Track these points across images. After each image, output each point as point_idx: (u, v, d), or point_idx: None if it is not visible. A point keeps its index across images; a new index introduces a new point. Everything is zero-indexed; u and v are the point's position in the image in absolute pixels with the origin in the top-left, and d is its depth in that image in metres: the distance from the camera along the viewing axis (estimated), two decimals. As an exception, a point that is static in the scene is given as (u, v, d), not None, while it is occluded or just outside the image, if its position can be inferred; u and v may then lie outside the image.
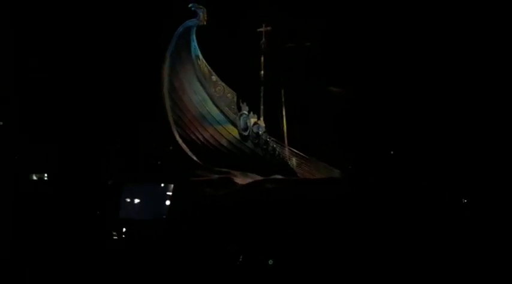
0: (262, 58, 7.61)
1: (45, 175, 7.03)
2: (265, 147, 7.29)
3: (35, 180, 7.07)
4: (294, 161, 7.29)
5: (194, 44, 7.46)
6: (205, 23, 7.44)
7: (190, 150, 7.47)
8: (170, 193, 6.68)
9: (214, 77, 7.51)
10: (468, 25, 6.35)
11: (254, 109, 7.48)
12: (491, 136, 6.26)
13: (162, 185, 6.76)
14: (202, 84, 7.45)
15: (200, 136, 7.46)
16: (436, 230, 5.58)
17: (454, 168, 6.27)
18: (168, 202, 6.68)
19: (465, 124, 6.42)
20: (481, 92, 6.41)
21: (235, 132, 7.40)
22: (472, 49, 6.38)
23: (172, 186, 6.81)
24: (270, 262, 5.36)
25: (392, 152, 6.60)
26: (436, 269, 4.88)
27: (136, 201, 6.85)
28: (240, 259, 5.50)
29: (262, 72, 7.64)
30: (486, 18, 6.31)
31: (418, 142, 6.44)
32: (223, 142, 7.40)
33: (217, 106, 7.41)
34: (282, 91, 7.44)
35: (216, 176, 7.38)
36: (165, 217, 6.54)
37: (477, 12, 6.34)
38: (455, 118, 6.39)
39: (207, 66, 7.52)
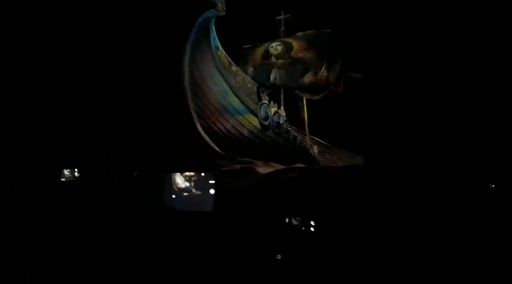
0: (281, 47, 7.55)
1: (75, 172, 7.20)
2: (286, 136, 7.30)
3: (64, 177, 7.26)
4: (315, 149, 7.28)
5: (213, 34, 7.48)
6: (224, 13, 7.44)
7: (212, 141, 7.55)
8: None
9: (234, 68, 7.54)
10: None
11: (274, 98, 7.47)
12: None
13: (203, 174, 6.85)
14: (222, 75, 7.49)
15: (222, 127, 7.52)
16: (459, 220, 5.49)
17: (481, 157, 6.12)
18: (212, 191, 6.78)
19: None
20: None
21: (256, 122, 7.43)
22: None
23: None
24: (279, 256, 5.37)
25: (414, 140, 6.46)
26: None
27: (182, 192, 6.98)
28: (279, 258, 5.47)
29: (281, 60, 7.59)
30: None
31: (443, 130, 6.29)
32: (245, 132, 7.45)
33: (237, 97, 7.46)
34: (303, 79, 7.38)
35: (238, 166, 7.47)
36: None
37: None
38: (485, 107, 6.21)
39: (227, 56, 7.54)
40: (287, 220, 6.20)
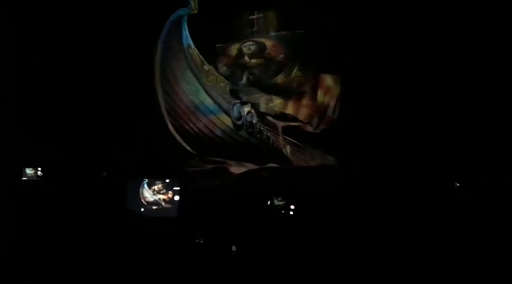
0: (254, 46, 7.52)
1: (40, 172, 6.92)
2: (259, 135, 7.28)
3: (32, 177, 6.97)
4: (288, 149, 7.28)
5: (186, 32, 7.41)
6: (196, 12, 7.37)
7: (183, 140, 7.45)
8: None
9: (206, 66, 7.47)
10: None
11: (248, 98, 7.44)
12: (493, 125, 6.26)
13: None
14: (194, 74, 7.42)
15: (194, 126, 7.43)
16: (432, 220, 5.59)
17: (450, 156, 6.27)
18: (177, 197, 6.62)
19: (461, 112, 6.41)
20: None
21: (228, 122, 7.38)
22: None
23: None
24: (233, 248, 5.34)
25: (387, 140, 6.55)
26: (432, 262, 4.88)
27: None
28: (233, 249, 5.45)
29: (254, 60, 7.56)
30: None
31: (415, 129, 6.42)
32: (217, 131, 7.39)
33: (210, 96, 7.40)
34: (276, 79, 7.38)
35: (211, 166, 7.38)
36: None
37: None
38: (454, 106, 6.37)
39: (199, 55, 7.48)
40: (259, 219, 6.18)
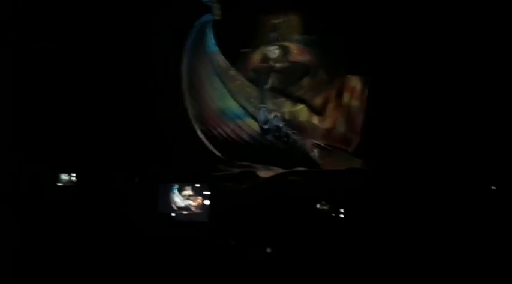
0: (278, 50, 7.56)
1: (72, 177, 7.14)
2: (286, 139, 7.31)
3: (67, 183, 7.20)
4: (315, 152, 7.30)
5: (211, 38, 7.50)
6: (220, 17, 7.45)
7: (212, 145, 7.56)
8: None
9: (232, 72, 7.54)
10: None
11: (274, 102, 7.49)
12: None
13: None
14: (221, 79, 7.52)
15: (221, 131, 7.54)
16: (459, 224, 5.55)
17: (481, 162, 6.19)
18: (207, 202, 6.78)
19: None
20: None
21: (255, 126, 7.45)
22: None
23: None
24: (268, 250, 5.44)
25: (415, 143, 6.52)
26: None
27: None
28: (268, 251, 5.57)
29: (279, 64, 7.60)
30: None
31: (442, 132, 6.36)
32: (244, 136, 7.46)
33: (236, 101, 7.47)
34: (301, 83, 7.41)
35: (238, 170, 7.47)
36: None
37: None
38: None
39: (225, 60, 7.55)
40: (289, 222, 6.26)
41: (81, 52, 7.31)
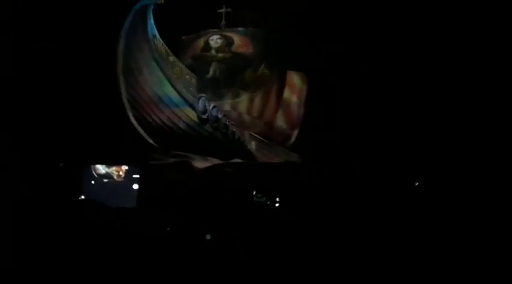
0: (221, 40, 7.47)
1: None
2: (224, 130, 7.20)
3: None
4: (253, 145, 7.30)
5: (151, 22, 7.17)
6: (163, 2, 7.18)
7: (146, 133, 7.22)
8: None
9: (171, 58, 7.29)
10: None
11: (214, 92, 7.38)
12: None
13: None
14: (159, 65, 7.18)
15: (156, 119, 7.21)
16: (389, 219, 5.80)
17: (410, 157, 6.55)
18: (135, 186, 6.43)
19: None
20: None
21: (193, 115, 7.22)
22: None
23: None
24: (208, 237, 5.33)
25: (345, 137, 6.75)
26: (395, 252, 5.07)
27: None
28: (208, 238, 5.40)
29: (221, 54, 7.50)
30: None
31: (377, 127, 6.64)
32: (181, 125, 7.21)
33: (174, 88, 7.18)
34: (243, 75, 7.37)
35: (173, 160, 7.23)
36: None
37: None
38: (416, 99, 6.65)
39: (164, 46, 7.27)
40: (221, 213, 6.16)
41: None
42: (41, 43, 6.53)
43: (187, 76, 7.29)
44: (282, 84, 7.35)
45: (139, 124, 7.20)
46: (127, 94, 7.12)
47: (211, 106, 7.17)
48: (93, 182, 6.35)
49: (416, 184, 6.51)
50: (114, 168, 6.50)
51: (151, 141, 7.22)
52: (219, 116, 7.18)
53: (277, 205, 6.57)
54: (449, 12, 6.60)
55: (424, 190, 6.45)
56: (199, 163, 7.20)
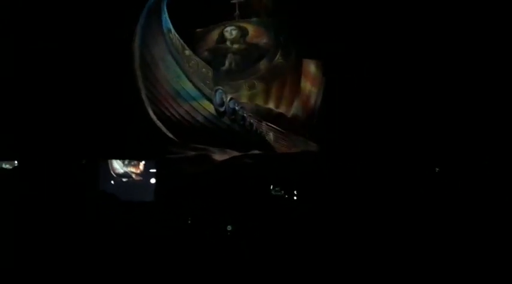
0: (236, 31, 7.43)
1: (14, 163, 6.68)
2: (242, 122, 7.22)
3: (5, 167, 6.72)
4: (271, 136, 7.30)
5: (165, 16, 7.19)
6: (176, -5, 7.18)
7: (165, 127, 7.30)
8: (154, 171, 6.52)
9: (187, 51, 7.30)
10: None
11: (231, 84, 7.38)
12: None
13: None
14: (175, 59, 7.21)
15: (175, 113, 7.29)
16: (414, 208, 5.74)
17: (430, 148, 6.43)
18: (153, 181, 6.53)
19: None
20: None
21: (211, 108, 7.27)
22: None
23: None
24: (229, 227, 5.39)
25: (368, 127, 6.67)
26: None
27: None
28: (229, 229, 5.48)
29: (236, 45, 7.47)
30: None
31: (395, 116, 6.54)
32: (199, 118, 7.27)
33: (191, 82, 7.22)
34: (258, 65, 7.34)
35: (193, 153, 7.31)
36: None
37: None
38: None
39: (180, 40, 7.29)
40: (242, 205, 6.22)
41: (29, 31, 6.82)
42: (53, 41, 6.63)
43: (204, 70, 7.30)
44: (298, 73, 7.29)
45: (159, 119, 7.28)
46: (145, 90, 7.20)
47: (228, 99, 7.19)
48: (112, 182, 6.46)
49: (437, 170, 6.41)
50: (131, 167, 6.59)
51: (170, 135, 7.31)
52: (236, 108, 7.20)
53: (295, 196, 6.58)
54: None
55: (444, 179, 6.36)
56: (219, 156, 7.26)
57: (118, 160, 6.61)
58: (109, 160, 6.62)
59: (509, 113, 6.34)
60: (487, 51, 6.40)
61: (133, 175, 6.64)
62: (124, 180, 6.58)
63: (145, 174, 6.56)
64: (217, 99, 7.17)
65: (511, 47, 6.21)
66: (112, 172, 6.61)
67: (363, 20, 6.67)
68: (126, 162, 6.64)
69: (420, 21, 6.49)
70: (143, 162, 6.68)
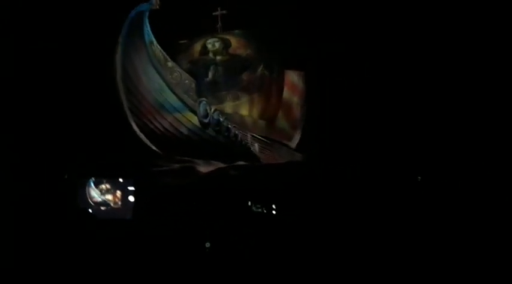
0: (219, 43, 7.45)
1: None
2: (226, 133, 7.18)
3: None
4: (256, 147, 7.29)
5: (147, 29, 7.15)
6: (158, 7, 7.15)
7: (149, 140, 7.22)
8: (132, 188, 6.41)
9: (170, 63, 7.26)
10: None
11: (214, 95, 7.37)
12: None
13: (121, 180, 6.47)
14: (158, 71, 7.16)
15: (158, 125, 7.21)
16: (399, 217, 5.80)
17: (414, 157, 6.54)
18: (131, 198, 6.41)
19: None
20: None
21: (194, 120, 7.22)
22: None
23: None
24: (207, 244, 5.35)
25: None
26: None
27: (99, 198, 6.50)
28: (207, 246, 5.45)
29: (219, 56, 7.49)
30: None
31: (378, 125, 6.63)
32: (183, 130, 7.20)
33: (174, 93, 7.17)
34: (241, 76, 7.36)
35: (178, 165, 7.22)
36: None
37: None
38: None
39: (162, 51, 7.25)
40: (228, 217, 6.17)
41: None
42: (40, 44, 6.48)
43: (187, 81, 7.26)
44: (281, 84, 7.35)
45: (142, 132, 7.20)
46: (128, 102, 7.11)
47: (212, 110, 7.16)
48: (90, 211, 6.35)
49: (419, 178, 6.50)
50: (109, 196, 6.48)
51: (154, 148, 7.23)
52: (221, 119, 7.17)
53: (280, 207, 6.56)
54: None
55: (426, 187, 6.45)
56: (204, 168, 7.20)
57: (95, 189, 6.46)
58: (86, 188, 6.48)
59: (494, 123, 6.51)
60: (473, 68, 6.59)
61: (112, 204, 6.50)
62: (102, 208, 6.46)
63: (124, 200, 6.46)
64: (201, 111, 7.12)
65: (496, 64, 6.40)
66: (89, 200, 6.47)
67: (345, 31, 6.78)
68: (104, 190, 6.50)
69: (402, 38, 6.64)
70: (119, 191, 6.54)
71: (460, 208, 5.56)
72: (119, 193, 6.39)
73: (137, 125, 7.15)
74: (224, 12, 7.42)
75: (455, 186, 6.10)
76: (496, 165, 6.23)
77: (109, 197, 6.39)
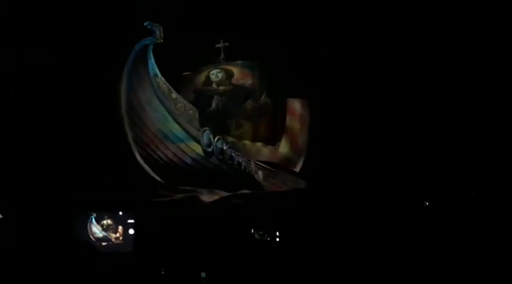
0: (222, 74, 7.58)
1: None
2: (230, 162, 7.17)
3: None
4: (260, 174, 7.25)
5: (151, 62, 7.31)
6: (161, 41, 7.34)
7: (152, 170, 7.21)
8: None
9: (174, 94, 7.37)
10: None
11: (218, 124, 7.42)
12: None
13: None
14: (162, 102, 7.27)
15: (162, 155, 7.23)
16: (403, 243, 5.66)
17: (419, 186, 6.45)
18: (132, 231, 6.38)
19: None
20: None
21: (198, 149, 7.24)
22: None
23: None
24: (203, 274, 5.24)
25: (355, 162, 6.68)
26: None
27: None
28: (203, 276, 5.34)
29: (222, 87, 7.60)
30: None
31: (382, 153, 6.59)
32: (187, 159, 7.21)
33: (178, 124, 7.24)
34: (245, 105, 7.44)
35: (181, 195, 7.19)
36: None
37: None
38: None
39: (166, 83, 7.39)
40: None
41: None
42: (45, 74, 6.64)
43: (191, 111, 7.33)
44: (283, 112, 7.39)
45: (146, 162, 7.20)
46: (132, 132, 7.16)
47: (216, 139, 7.19)
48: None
49: (426, 204, 6.36)
50: (111, 232, 6.50)
51: (158, 178, 7.21)
52: (224, 148, 7.18)
53: (283, 234, 6.44)
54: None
55: (432, 213, 6.30)
56: (207, 197, 7.14)
57: (97, 225, 6.47)
58: (88, 225, 6.49)
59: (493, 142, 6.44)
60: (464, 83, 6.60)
61: (113, 239, 6.50)
62: (104, 244, 6.45)
63: (126, 235, 6.46)
64: (204, 140, 7.15)
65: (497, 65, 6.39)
66: (91, 236, 6.49)
67: (345, 58, 6.87)
68: (105, 225, 6.51)
69: (400, 54, 6.71)
70: (121, 227, 6.55)
71: (460, 210, 5.42)
72: (120, 228, 6.39)
73: (141, 155, 7.16)
74: (227, 44, 7.59)
75: (457, 193, 5.98)
76: (496, 166, 6.11)
77: (111, 233, 6.39)
